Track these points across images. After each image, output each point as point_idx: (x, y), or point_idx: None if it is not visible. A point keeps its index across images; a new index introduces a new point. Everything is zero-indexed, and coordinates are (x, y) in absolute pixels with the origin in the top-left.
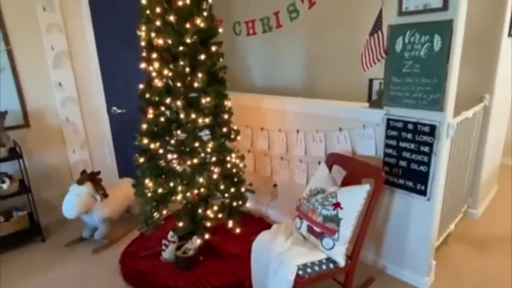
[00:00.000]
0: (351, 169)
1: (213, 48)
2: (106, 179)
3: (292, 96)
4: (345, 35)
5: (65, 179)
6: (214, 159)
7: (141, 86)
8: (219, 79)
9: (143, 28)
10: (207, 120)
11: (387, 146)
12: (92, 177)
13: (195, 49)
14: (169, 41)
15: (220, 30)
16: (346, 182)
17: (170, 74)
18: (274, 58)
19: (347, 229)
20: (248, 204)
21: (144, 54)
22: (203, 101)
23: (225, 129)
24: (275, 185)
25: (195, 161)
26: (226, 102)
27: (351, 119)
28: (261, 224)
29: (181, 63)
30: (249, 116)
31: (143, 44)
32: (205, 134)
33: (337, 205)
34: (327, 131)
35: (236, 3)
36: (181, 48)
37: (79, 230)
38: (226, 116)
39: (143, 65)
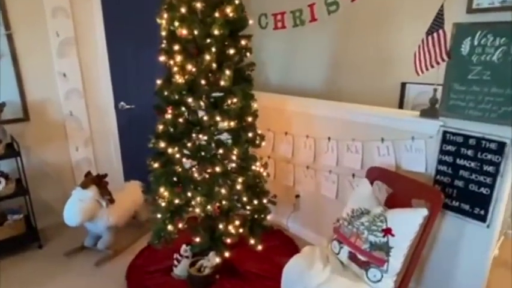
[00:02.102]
0: (399, 188)
1: (242, 42)
2: (111, 181)
3: (312, 98)
4: (377, 34)
5: (66, 179)
6: (235, 166)
7: (159, 82)
8: (246, 77)
9: (165, 16)
10: (232, 123)
11: (440, 162)
12: (98, 181)
13: (223, 42)
14: (195, 32)
15: (251, 21)
16: (391, 202)
17: (193, 69)
18: (293, 55)
19: (397, 260)
20: (268, 216)
21: (164, 45)
22: (229, 101)
23: (250, 134)
24: (297, 196)
25: (217, 169)
26: (252, 104)
27: (397, 129)
28: (280, 237)
29: (207, 57)
30: (271, 119)
31: (163, 33)
32: (226, 139)
33: (388, 231)
34: (366, 140)
35: None
36: (208, 40)
37: (79, 237)
38: (250, 119)
39: (162, 58)
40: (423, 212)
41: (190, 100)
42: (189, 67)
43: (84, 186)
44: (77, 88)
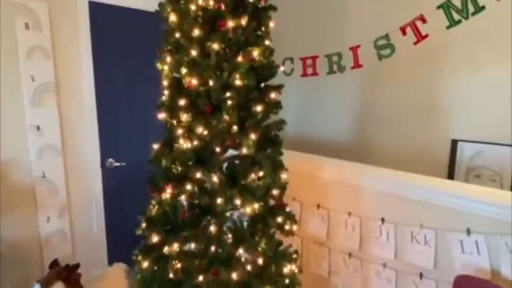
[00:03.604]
0: None
1: (272, 95)
2: (90, 261)
3: (336, 155)
4: (422, 80)
5: (33, 260)
6: (259, 269)
7: (155, 147)
8: (273, 139)
9: (168, 60)
10: (256, 205)
11: None
12: (65, 275)
13: (247, 96)
14: (210, 82)
15: (282, 68)
16: None
17: (205, 132)
18: (312, 102)
19: None
20: None
21: (165, 98)
22: (252, 175)
23: (279, 219)
24: None
25: (234, 275)
26: (282, 175)
27: (492, 218)
28: None
29: (225, 116)
30: (297, 185)
31: (165, 83)
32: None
33: None
34: (441, 228)
35: (288, 32)
36: (227, 94)
37: None
38: (276, 192)
39: (162, 115)
40: None
41: (199, 175)
42: (199, 129)
43: (46, 284)
44: (53, 144)
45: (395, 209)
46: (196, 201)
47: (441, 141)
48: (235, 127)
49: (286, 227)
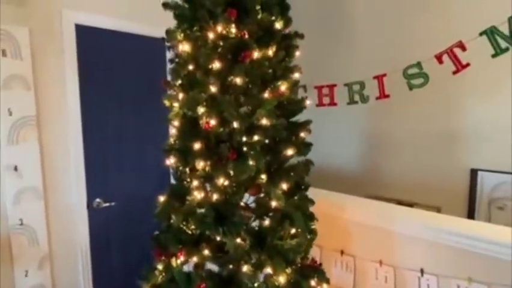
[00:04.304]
0: None
1: (302, 135)
2: None
3: (347, 187)
4: (439, 106)
5: None
6: None
7: (161, 199)
8: (303, 185)
9: (180, 96)
10: (289, 270)
11: None
12: None
13: (275, 138)
14: (235, 124)
15: (308, 102)
16: None
17: (226, 182)
18: (323, 131)
19: None
20: None
21: (175, 140)
22: (281, 233)
23: (313, 282)
24: None
25: None
26: (313, 227)
27: None
28: None
29: (251, 162)
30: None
31: (175, 123)
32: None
33: None
34: (495, 284)
35: (301, 57)
36: (255, 136)
37: None
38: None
39: (171, 161)
40: None
41: (219, 236)
42: (220, 180)
43: None
44: (33, 186)
45: (437, 259)
46: (216, 270)
47: (459, 170)
48: (263, 176)
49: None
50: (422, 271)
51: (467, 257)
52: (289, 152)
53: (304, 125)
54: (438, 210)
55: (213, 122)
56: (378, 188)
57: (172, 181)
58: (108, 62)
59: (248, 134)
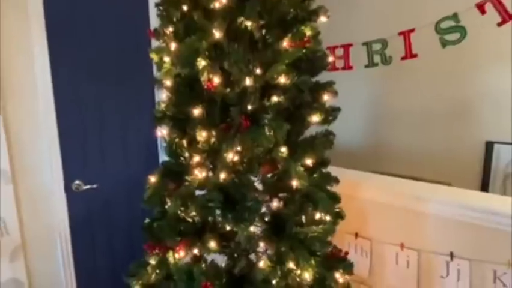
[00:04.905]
0: None
1: (325, 97)
2: None
3: (352, 163)
4: (450, 74)
5: None
6: None
7: (151, 180)
8: (325, 161)
9: (172, 46)
10: (313, 261)
11: None
12: None
13: (294, 99)
14: (247, 81)
15: (330, 59)
16: None
17: (236, 158)
18: None
19: None
20: None
21: (167, 105)
22: (303, 218)
23: (337, 274)
24: None
25: None
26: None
27: None
28: None
29: (267, 131)
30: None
31: (167, 82)
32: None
33: None
34: None
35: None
36: (274, 99)
37: None
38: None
39: (163, 132)
40: None
41: (228, 227)
42: (229, 155)
43: None
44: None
45: (471, 242)
46: (224, 265)
47: (472, 143)
48: (283, 149)
49: (341, 280)
50: (451, 255)
51: (507, 239)
52: (314, 118)
53: (328, 86)
54: (448, 186)
55: (216, 79)
56: (380, 163)
57: (165, 158)
58: (81, 21)
59: (263, 95)
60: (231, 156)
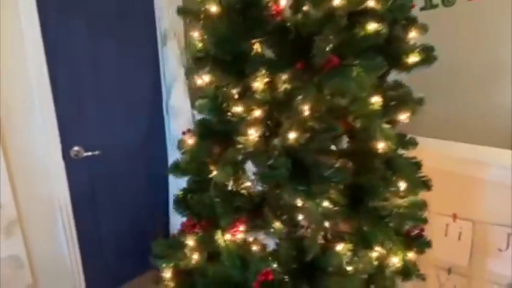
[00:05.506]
0: None
1: (412, 34)
2: None
3: None
4: (477, 25)
5: None
6: None
7: (187, 140)
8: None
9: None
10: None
11: None
12: None
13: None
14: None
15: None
16: None
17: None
18: None
19: None
20: None
21: (204, 40)
22: (387, 194)
23: (411, 254)
24: None
25: None
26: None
27: None
28: None
29: (354, 72)
30: None
31: (211, 9)
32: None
33: None
34: None
35: None
36: (370, 26)
37: None
38: None
39: (204, 79)
40: None
41: (298, 201)
42: (305, 107)
43: None
44: None
45: None
46: (292, 251)
47: (501, 104)
48: (375, 99)
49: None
50: None
51: None
52: (412, 58)
53: (415, 21)
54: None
55: (282, 2)
56: (413, 127)
57: (170, 121)
58: None
59: (352, 22)
60: (308, 108)
